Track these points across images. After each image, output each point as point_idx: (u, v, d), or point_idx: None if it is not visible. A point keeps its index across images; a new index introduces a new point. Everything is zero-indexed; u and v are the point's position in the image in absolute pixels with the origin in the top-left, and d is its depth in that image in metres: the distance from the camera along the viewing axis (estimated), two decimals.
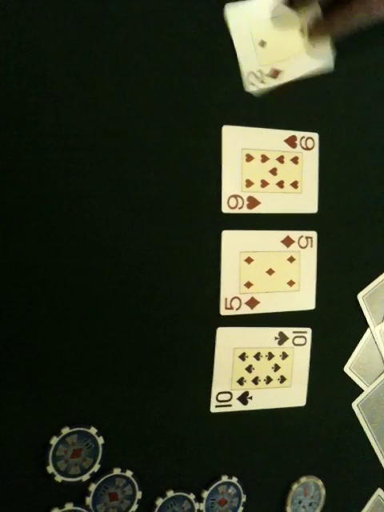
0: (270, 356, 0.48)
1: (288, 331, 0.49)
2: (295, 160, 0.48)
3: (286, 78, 0.46)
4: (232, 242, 0.46)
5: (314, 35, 0.46)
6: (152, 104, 0.43)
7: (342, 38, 0.44)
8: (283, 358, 0.49)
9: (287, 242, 0.48)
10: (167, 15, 0.43)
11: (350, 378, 0.52)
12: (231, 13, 0.45)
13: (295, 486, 0.51)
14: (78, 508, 0.43)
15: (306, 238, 0.49)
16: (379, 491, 0.55)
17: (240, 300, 0.47)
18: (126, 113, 0.43)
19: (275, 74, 0.45)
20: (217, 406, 0.47)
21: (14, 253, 0.40)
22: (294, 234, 0.48)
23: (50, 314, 0.42)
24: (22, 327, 0.41)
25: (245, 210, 0.46)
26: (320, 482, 0.52)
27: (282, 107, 0.47)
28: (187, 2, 0.44)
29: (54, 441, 0.42)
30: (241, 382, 0.48)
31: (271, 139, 0.47)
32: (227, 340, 0.47)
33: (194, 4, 0.44)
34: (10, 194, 0.40)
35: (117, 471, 0.44)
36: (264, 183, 0.47)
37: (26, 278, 0.41)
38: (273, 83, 0.46)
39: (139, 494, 0.45)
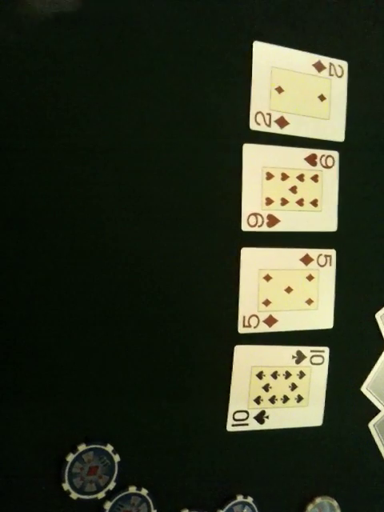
0: (288, 375, 0.48)
1: (306, 350, 0.48)
2: (315, 178, 0.48)
3: (290, 131, 0.46)
4: (251, 259, 0.46)
5: None
6: (173, 122, 0.43)
7: None
8: (300, 377, 0.48)
9: (306, 260, 0.48)
10: (191, 31, 0.43)
11: (367, 398, 0.52)
12: (258, 50, 0.45)
13: (310, 507, 0.50)
14: None
15: (325, 256, 0.49)
16: None
17: (258, 318, 0.47)
18: (147, 129, 0.43)
19: (282, 123, 0.45)
20: (233, 425, 0.47)
21: (32, 265, 0.40)
22: (312, 252, 0.48)
23: (67, 331, 0.41)
24: (39, 344, 0.41)
25: (264, 228, 0.46)
26: (335, 503, 0.51)
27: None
28: (212, 19, 0.44)
29: (71, 458, 0.42)
30: (258, 400, 0.47)
31: (291, 157, 0.47)
32: (245, 358, 0.46)
33: (219, 22, 0.44)
34: (28, 203, 0.40)
35: (132, 489, 0.44)
36: (284, 201, 0.47)
37: (46, 292, 0.41)
38: (277, 131, 0.46)
39: None
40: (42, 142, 0.40)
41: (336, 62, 0.48)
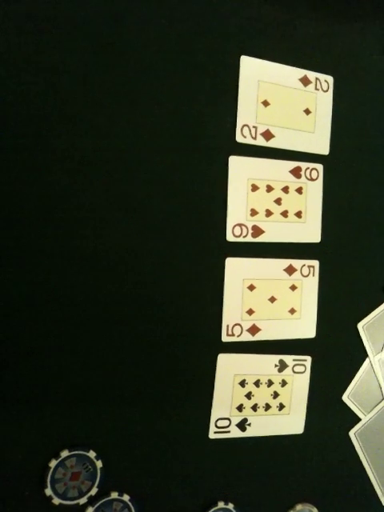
0: (270, 383, 0.49)
1: (288, 359, 0.49)
2: (299, 190, 0.49)
3: (275, 144, 0.47)
4: (235, 269, 0.47)
5: None
6: (160, 134, 0.44)
7: None
8: (283, 386, 0.49)
9: (290, 270, 0.49)
10: (179, 44, 0.44)
11: (348, 407, 0.52)
12: (245, 64, 0.46)
13: None
14: None
15: (309, 266, 0.49)
16: None
17: (241, 327, 0.47)
18: (135, 141, 0.43)
19: (268, 136, 0.46)
20: (215, 432, 0.47)
21: (20, 272, 0.41)
22: (296, 263, 0.49)
23: (52, 335, 0.42)
24: (23, 349, 0.41)
25: (249, 239, 0.47)
26: (315, 510, 0.52)
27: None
28: (200, 33, 0.45)
29: (53, 463, 0.42)
30: (240, 408, 0.48)
31: (276, 170, 0.48)
32: (228, 366, 0.47)
33: (207, 36, 0.45)
34: (21, 212, 0.41)
35: (114, 495, 0.44)
36: (268, 213, 0.48)
37: (30, 297, 0.41)
38: (263, 143, 0.47)
39: None
40: (34, 148, 0.40)
41: (322, 76, 0.49)
